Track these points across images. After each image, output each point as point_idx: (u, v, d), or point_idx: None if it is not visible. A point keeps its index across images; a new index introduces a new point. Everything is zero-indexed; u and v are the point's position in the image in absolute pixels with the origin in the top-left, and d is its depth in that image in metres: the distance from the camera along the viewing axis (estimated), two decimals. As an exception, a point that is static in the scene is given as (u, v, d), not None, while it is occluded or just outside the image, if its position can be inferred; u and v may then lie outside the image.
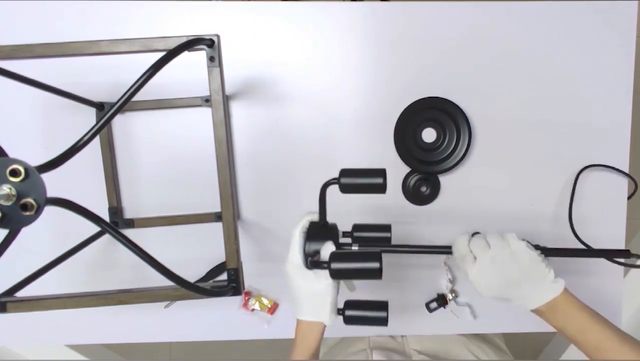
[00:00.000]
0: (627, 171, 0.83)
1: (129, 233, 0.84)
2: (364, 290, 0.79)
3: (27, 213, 0.36)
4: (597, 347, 0.56)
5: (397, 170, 0.83)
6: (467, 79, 0.82)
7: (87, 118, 0.79)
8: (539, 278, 0.59)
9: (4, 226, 0.36)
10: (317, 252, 0.60)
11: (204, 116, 0.82)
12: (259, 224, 0.86)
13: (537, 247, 0.62)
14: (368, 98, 0.83)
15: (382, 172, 0.55)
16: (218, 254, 0.85)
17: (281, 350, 1.52)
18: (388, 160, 0.83)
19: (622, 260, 0.70)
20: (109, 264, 0.86)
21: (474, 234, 0.64)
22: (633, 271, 1.26)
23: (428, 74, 0.82)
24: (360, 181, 0.55)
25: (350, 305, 0.61)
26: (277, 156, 0.84)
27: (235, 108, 0.83)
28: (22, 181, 0.36)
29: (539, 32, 0.81)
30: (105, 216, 0.83)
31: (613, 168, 0.82)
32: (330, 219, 0.63)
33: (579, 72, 0.82)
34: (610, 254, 0.65)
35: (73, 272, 0.82)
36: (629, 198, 0.84)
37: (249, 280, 0.87)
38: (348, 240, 0.64)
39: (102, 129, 0.43)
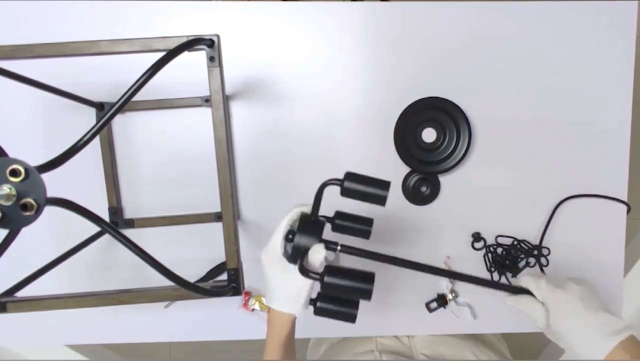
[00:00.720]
0: (626, 171, 0.83)
1: (129, 233, 0.84)
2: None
3: (27, 213, 0.36)
4: None
5: (397, 170, 0.83)
6: (468, 79, 0.82)
7: (87, 118, 0.79)
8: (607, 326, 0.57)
9: (4, 226, 0.36)
10: (306, 250, 0.58)
11: (204, 116, 0.82)
12: (259, 224, 0.86)
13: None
14: (368, 98, 0.83)
15: (387, 185, 0.54)
16: (218, 254, 0.85)
17: (281, 350, 1.51)
18: (388, 160, 0.83)
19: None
20: (109, 264, 0.86)
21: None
22: (633, 271, 1.26)
23: (428, 74, 0.82)
24: (365, 189, 0.54)
25: (322, 297, 0.59)
26: (277, 156, 0.84)
27: (235, 108, 0.83)
28: (22, 181, 0.36)
29: (539, 32, 0.81)
30: (105, 216, 0.83)
31: (602, 197, 0.83)
32: (323, 211, 0.61)
33: (579, 72, 0.82)
34: (507, 289, 0.64)
35: (73, 272, 0.82)
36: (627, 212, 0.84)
37: (249, 280, 0.87)
38: (328, 227, 0.62)
39: (102, 129, 0.43)
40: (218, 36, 0.52)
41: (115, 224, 0.83)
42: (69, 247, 0.74)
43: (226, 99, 0.76)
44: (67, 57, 0.51)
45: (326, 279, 0.54)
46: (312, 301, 0.60)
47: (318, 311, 0.59)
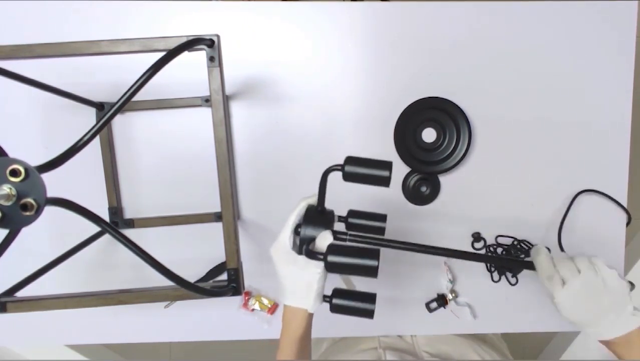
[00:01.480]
0: (626, 170, 0.83)
1: (129, 233, 0.84)
2: (361, 288, 0.79)
3: (27, 213, 0.36)
4: None
5: (397, 170, 0.83)
6: (467, 79, 0.82)
7: (87, 118, 0.79)
8: (623, 308, 0.57)
9: (4, 226, 0.36)
10: (313, 239, 0.58)
11: (204, 116, 0.82)
12: (259, 224, 0.86)
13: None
14: (368, 98, 0.83)
15: (388, 165, 0.53)
16: (218, 254, 0.85)
17: (281, 350, 1.51)
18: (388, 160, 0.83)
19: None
20: (109, 264, 0.86)
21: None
22: (633, 271, 1.26)
23: (428, 74, 0.82)
24: (366, 171, 0.53)
25: (338, 293, 0.59)
26: (277, 156, 0.84)
27: (235, 108, 0.83)
28: (22, 181, 0.36)
29: (539, 32, 0.81)
30: (105, 216, 0.83)
31: (609, 197, 0.83)
32: (338, 211, 0.62)
33: (579, 72, 0.82)
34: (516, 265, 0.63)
35: (73, 272, 0.82)
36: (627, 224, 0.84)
37: (249, 280, 0.87)
38: (342, 227, 0.62)
39: (102, 129, 0.43)
40: (218, 36, 0.52)
41: (115, 224, 0.83)
42: (69, 247, 0.75)
43: (226, 99, 0.76)
44: (67, 57, 0.51)
45: (329, 258, 0.54)
46: (328, 299, 0.59)
47: (334, 309, 0.58)
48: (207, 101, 0.80)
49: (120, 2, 0.80)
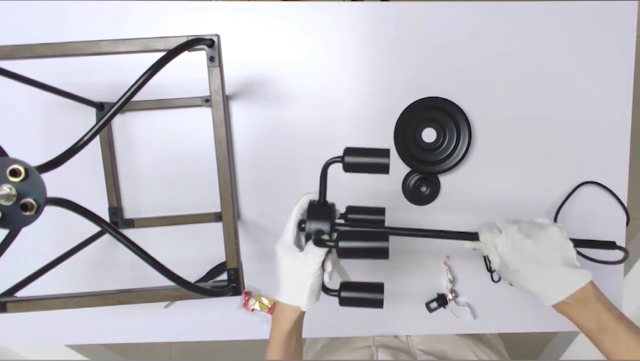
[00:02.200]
0: (626, 171, 0.83)
1: (129, 233, 0.84)
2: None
3: (27, 213, 0.36)
4: (627, 347, 0.54)
5: (397, 170, 0.83)
6: (467, 79, 0.82)
7: (87, 118, 0.79)
8: (568, 261, 0.56)
9: (4, 226, 0.36)
10: (320, 231, 0.58)
11: (204, 116, 0.82)
12: (259, 224, 0.86)
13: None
14: (368, 98, 0.83)
15: (386, 153, 0.54)
16: (218, 254, 0.85)
17: (281, 350, 1.51)
18: (388, 160, 0.83)
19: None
20: (109, 264, 0.86)
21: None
22: (633, 271, 1.26)
23: (428, 74, 0.82)
24: (365, 160, 0.55)
25: (345, 286, 0.59)
26: (277, 156, 0.84)
27: (235, 108, 0.83)
28: (22, 181, 0.36)
29: (538, 32, 0.81)
30: (105, 216, 0.83)
31: (611, 192, 0.84)
32: (338, 207, 0.62)
33: (579, 72, 0.82)
34: (595, 245, 0.64)
35: (73, 272, 0.82)
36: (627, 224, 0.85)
37: (249, 280, 0.87)
38: (341, 222, 0.63)
39: (102, 129, 0.43)
40: (218, 36, 0.52)
41: (115, 224, 0.83)
42: (69, 247, 0.75)
43: (226, 99, 0.76)
44: (67, 57, 0.51)
45: (341, 244, 0.55)
46: (336, 293, 0.59)
47: (343, 301, 0.59)
48: (207, 101, 0.80)
49: (120, 2, 0.80)
